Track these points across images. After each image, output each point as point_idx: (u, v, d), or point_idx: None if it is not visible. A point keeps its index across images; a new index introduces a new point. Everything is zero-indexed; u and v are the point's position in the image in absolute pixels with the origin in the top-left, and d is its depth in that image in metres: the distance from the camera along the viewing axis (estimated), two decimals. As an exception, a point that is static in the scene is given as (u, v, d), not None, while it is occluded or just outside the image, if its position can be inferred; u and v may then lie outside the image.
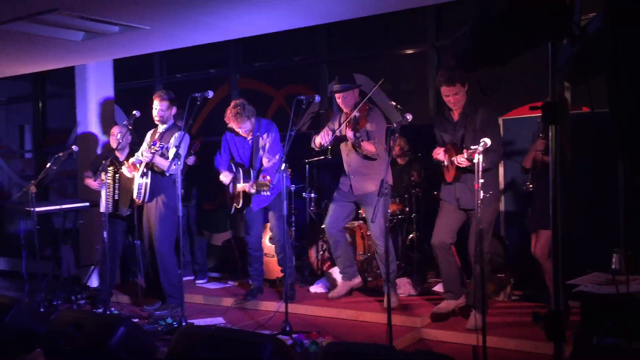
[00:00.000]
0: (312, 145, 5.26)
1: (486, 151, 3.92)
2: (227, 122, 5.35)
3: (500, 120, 5.88)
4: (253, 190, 5.14)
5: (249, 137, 5.44)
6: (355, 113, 4.98)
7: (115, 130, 5.84)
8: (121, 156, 5.67)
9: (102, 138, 7.08)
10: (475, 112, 4.42)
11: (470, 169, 4.27)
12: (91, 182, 5.80)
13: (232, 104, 5.38)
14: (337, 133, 5.08)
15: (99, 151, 7.07)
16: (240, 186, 5.36)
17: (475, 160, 3.70)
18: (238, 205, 5.48)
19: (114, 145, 5.72)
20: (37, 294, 5.83)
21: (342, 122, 5.11)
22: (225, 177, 5.47)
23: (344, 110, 5.14)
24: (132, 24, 5.11)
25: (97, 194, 5.72)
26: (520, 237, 5.59)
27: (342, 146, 5.21)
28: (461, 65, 2.33)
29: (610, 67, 1.77)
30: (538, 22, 2.01)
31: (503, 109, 5.95)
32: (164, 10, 4.75)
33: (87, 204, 6.28)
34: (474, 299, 4.46)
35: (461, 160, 4.27)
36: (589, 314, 3.18)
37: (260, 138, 5.40)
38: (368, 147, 4.93)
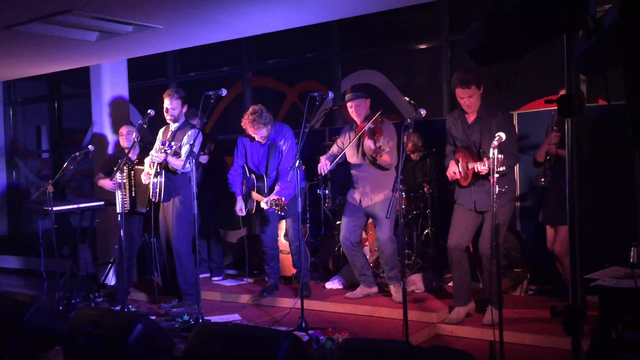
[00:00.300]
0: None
1: (502, 154, 3.84)
2: (244, 127, 5.35)
3: (514, 114, 5.85)
4: (266, 207, 5.15)
5: (265, 142, 5.45)
6: (370, 125, 4.96)
7: (124, 130, 5.88)
8: (132, 155, 5.70)
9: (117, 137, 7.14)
10: (491, 117, 4.38)
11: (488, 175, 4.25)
12: (106, 182, 5.84)
13: (250, 109, 5.35)
14: (350, 146, 5.05)
15: (112, 150, 7.13)
16: (255, 195, 5.39)
17: (491, 156, 3.67)
18: (253, 211, 5.51)
19: (124, 144, 5.76)
20: (55, 292, 5.90)
21: (355, 134, 5.06)
22: (239, 211, 5.52)
23: (357, 119, 5.11)
24: (145, 24, 5.15)
25: (113, 193, 5.78)
26: (536, 232, 5.56)
27: (351, 159, 5.20)
28: (475, 60, 2.31)
29: (626, 59, 1.75)
30: (553, 15, 1.99)
31: (518, 103, 5.91)
32: (177, 9, 4.78)
33: (103, 202, 6.34)
34: (489, 294, 4.44)
35: (482, 168, 4.20)
36: (608, 309, 3.15)
37: (278, 144, 5.40)
38: (386, 157, 4.93)
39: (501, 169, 3.72)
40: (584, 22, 2.00)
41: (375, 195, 5.11)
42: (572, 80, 2.19)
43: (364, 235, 5.81)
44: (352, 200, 5.24)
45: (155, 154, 5.20)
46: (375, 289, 5.31)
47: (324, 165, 5.08)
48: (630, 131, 1.81)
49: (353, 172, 5.25)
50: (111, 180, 5.68)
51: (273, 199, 5.01)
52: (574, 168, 2.18)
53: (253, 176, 5.47)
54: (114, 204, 5.82)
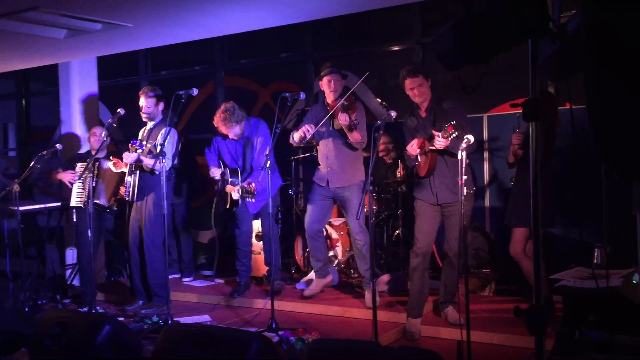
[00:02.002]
0: (291, 142, 5.18)
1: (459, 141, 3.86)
2: (216, 125, 5.32)
3: (484, 117, 5.94)
4: (237, 196, 5.13)
5: (239, 139, 5.42)
6: (344, 101, 4.95)
7: (97, 130, 5.79)
8: (100, 155, 5.62)
9: (86, 136, 7.03)
10: (441, 105, 4.43)
11: (445, 152, 4.25)
12: (65, 175, 5.71)
13: (222, 107, 5.32)
14: (323, 122, 5.02)
15: (83, 149, 7.03)
16: (229, 188, 5.37)
17: (460, 157, 3.72)
18: (226, 206, 5.48)
19: (96, 145, 5.68)
20: (21, 293, 5.79)
21: (329, 109, 5.02)
22: (215, 172, 5.46)
23: (332, 95, 5.03)
24: (114, 22, 5.07)
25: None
26: (505, 233, 5.64)
27: (321, 136, 5.16)
28: (443, 63, 2.35)
29: (587, 64, 1.79)
30: (517, 21, 2.03)
31: (488, 106, 6.00)
32: (147, 7, 4.72)
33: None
34: (450, 295, 4.49)
35: (438, 142, 4.14)
36: (571, 308, 3.22)
37: (252, 139, 5.38)
38: (357, 135, 4.90)
39: (469, 136, 3.78)
40: (547, 28, 2.05)
41: (344, 175, 5.03)
42: (536, 85, 2.24)
43: (335, 235, 5.83)
44: (318, 181, 5.16)
45: (127, 154, 5.14)
46: (330, 278, 5.32)
47: (309, 128, 4.97)
48: (592, 135, 1.86)
49: (321, 150, 5.16)
50: (72, 172, 5.60)
51: (241, 186, 5.01)
52: (538, 171, 2.22)
53: (227, 170, 5.44)
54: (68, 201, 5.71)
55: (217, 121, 5.27)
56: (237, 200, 5.34)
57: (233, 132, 5.30)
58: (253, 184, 4.99)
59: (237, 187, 5.12)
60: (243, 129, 5.35)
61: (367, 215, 4.81)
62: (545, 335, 2.19)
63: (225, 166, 5.51)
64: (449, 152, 4.26)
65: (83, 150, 7.08)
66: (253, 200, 5.01)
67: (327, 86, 5.06)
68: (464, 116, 4.42)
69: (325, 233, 5.61)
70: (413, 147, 4.39)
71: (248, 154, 5.41)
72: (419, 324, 4.51)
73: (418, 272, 4.48)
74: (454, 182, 4.31)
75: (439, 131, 4.15)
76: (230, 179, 5.39)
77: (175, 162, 6.14)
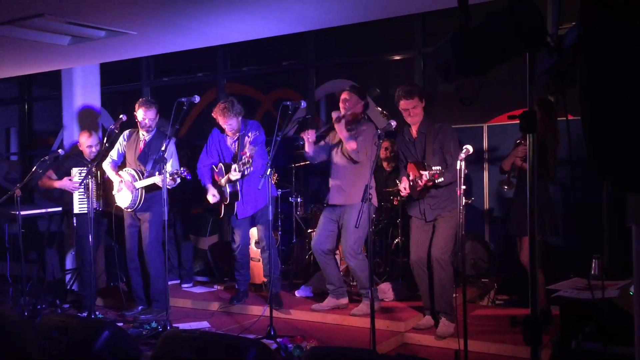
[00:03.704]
0: (306, 156, 5.24)
1: (446, 166, 4.21)
2: (215, 117, 5.35)
3: (484, 127, 5.97)
4: (237, 173, 5.10)
5: (235, 137, 5.45)
6: (349, 113, 4.96)
7: (93, 141, 5.77)
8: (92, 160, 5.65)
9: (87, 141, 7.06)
10: (432, 128, 4.50)
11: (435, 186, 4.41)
12: (64, 183, 5.69)
13: (222, 100, 5.40)
14: (322, 130, 5.07)
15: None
16: (224, 179, 5.32)
17: (458, 167, 3.75)
18: (220, 215, 5.48)
19: (92, 156, 5.69)
20: (21, 297, 5.81)
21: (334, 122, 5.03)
22: (212, 197, 5.39)
23: (343, 111, 5.02)
24: (118, 29, 5.12)
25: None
26: (504, 242, 5.66)
27: (332, 152, 5.20)
28: (442, 75, 2.37)
29: (582, 77, 1.82)
30: (515, 34, 2.06)
31: (487, 116, 6.03)
32: (150, 16, 4.77)
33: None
34: (441, 303, 4.52)
35: (423, 182, 4.35)
36: (568, 319, 3.23)
37: (246, 136, 5.40)
38: (352, 144, 4.89)
39: (440, 180, 4.17)
40: (544, 41, 2.08)
41: (347, 193, 5.02)
42: (533, 97, 2.27)
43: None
44: (328, 200, 5.17)
45: (169, 182, 4.94)
46: (345, 301, 5.21)
47: (311, 133, 5.03)
48: (587, 149, 1.88)
49: (332, 167, 5.19)
50: (69, 179, 5.61)
51: (237, 164, 5.00)
52: (535, 182, 2.25)
53: (221, 165, 5.44)
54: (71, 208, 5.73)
55: (217, 112, 5.30)
56: (232, 206, 5.34)
57: (230, 124, 5.30)
58: (246, 151, 5.02)
59: (233, 167, 5.11)
60: (239, 124, 5.36)
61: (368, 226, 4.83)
62: (541, 345, 2.21)
63: (222, 160, 5.48)
64: None
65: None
66: (252, 168, 4.99)
67: (341, 99, 5.07)
68: (454, 140, 4.52)
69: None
70: (405, 190, 4.58)
71: (241, 152, 5.42)
72: (431, 321, 4.65)
73: (417, 279, 4.66)
74: (443, 199, 4.42)
75: (429, 162, 4.37)
76: (225, 172, 5.35)
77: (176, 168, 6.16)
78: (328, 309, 5.18)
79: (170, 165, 5.13)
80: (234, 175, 5.13)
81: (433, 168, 4.25)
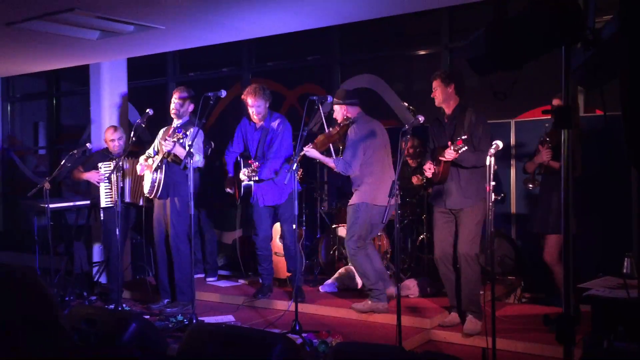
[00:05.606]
0: None
1: (474, 150, 4.18)
2: (244, 98, 5.40)
3: (512, 122, 5.88)
4: (244, 177, 5.27)
5: (259, 125, 5.47)
6: (332, 130, 5.04)
7: (116, 135, 5.83)
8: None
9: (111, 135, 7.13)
10: (464, 114, 4.47)
11: (457, 165, 4.38)
12: (91, 175, 5.80)
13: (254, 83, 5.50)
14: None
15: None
16: (240, 173, 5.46)
17: (487, 162, 3.69)
18: (242, 193, 5.57)
19: (116, 150, 5.76)
20: (49, 289, 5.88)
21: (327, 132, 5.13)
22: (228, 189, 5.59)
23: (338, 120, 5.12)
24: (147, 24, 5.16)
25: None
26: (531, 240, 5.58)
27: None
28: (475, 69, 2.34)
29: (623, 71, 1.77)
30: (552, 27, 2.02)
31: (515, 111, 5.94)
32: (178, 10, 4.79)
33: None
34: (467, 303, 4.47)
35: (447, 154, 4.28)
36: (600, 318, 3.17)
37: (271, 129, 5.42)
38: (332, 164, 5.01)
39: (463, 149, 4.14)
40: (581, 34, 2.03)
41: (353, 195, 5.12)
42: (569, 92, 2.22)
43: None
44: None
45: (166, 143, 5.09)
46: (382, 306, 4.93)
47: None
48: (627, 147, 1.84)
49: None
50: (97, 172, 5.68)
51: (248, 169, 5.20)
52: (569, 179, 2.20)
53: (241, 160, 5.53)
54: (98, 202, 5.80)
55: (248, 92, 5.36)
56: (248, 194, 5.44)
57: (258, 106, 5.35)
58: (256, 162, 5.19)
59: (243, 170, 5.27)
60: (266, 112, 5.41)
61: (392, 219, 4.80)
62: (574, 344, 2.17)
63: (247, 150, 5.57)
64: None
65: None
66: (257, 178, 5.18)
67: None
68: (486, 129, 4.47)
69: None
70: (429, 170, 4.54)
71: (262, 145, 5.45)
72: (457, 318, 4.60)
73: (442, 276, 4.64)
74: (466, 188, 4.36)
75: (453, 142, 4.27)
76: (243, 167, 5.44)
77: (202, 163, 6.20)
78: (365, 312, 5.04)
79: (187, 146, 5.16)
80: (242, 177, 5.32)
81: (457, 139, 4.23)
